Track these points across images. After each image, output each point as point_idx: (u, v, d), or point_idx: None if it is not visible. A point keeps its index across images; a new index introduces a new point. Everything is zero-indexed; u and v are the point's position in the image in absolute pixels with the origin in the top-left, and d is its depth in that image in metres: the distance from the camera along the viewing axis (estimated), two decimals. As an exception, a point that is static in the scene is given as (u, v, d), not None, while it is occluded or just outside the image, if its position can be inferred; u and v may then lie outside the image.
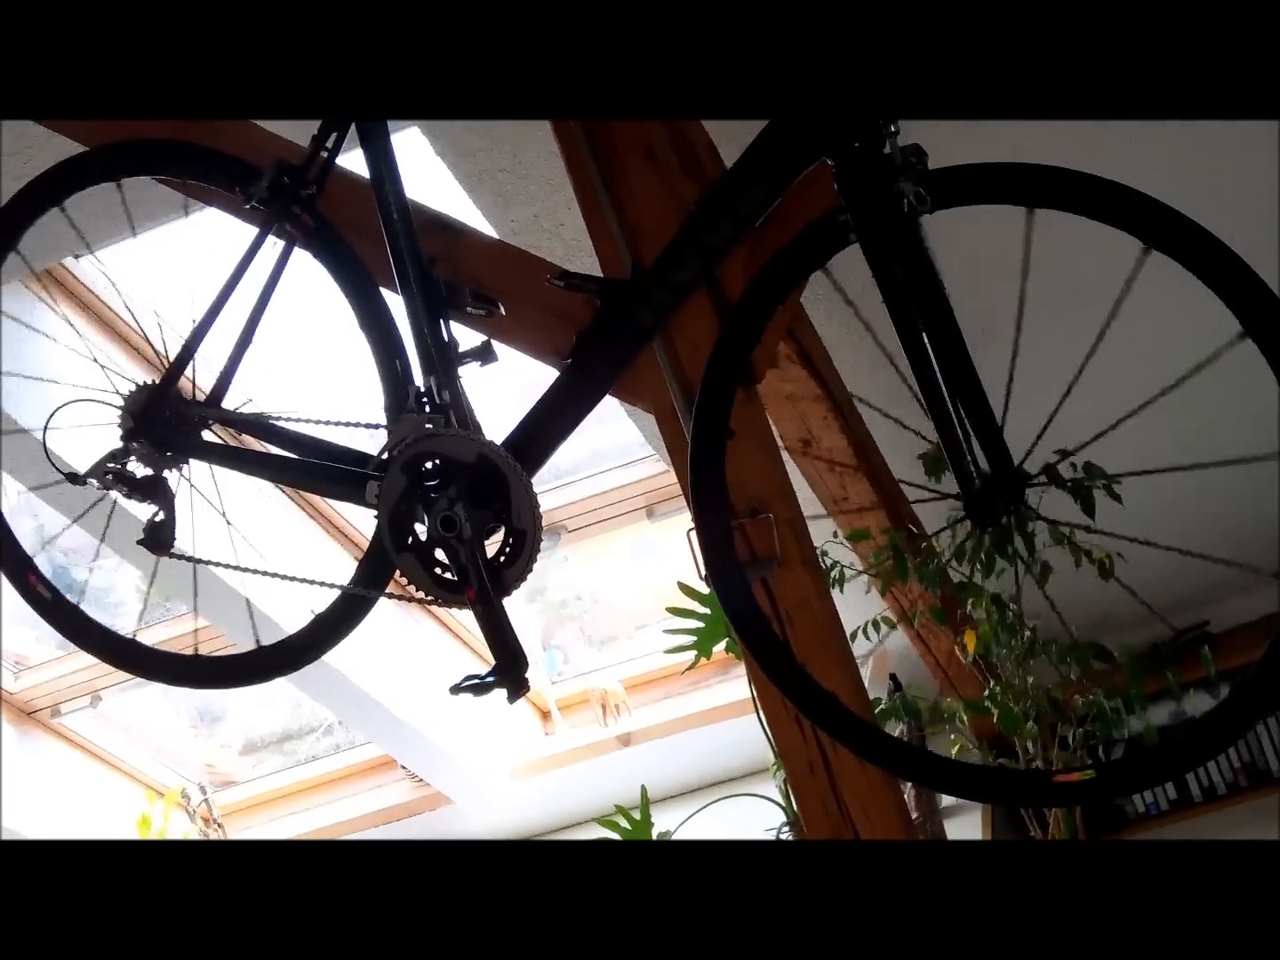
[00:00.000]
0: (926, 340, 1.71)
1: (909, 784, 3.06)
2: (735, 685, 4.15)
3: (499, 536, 1.89)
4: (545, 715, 4.70)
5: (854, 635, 2.59)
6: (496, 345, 1.94)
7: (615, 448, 4.22)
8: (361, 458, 1.96)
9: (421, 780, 4.65)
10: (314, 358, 3.42)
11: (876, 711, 2.98)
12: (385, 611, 4.12)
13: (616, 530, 4.30)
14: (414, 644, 4.35)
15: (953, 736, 3.33)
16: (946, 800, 3.63)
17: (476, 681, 1.88)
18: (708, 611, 3.23)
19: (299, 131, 1.98)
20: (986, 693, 3.11)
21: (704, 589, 3.19)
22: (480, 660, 4.51)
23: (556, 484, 4.17)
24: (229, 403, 2.04)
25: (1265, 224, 2.72)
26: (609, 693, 4.52)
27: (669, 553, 4.49)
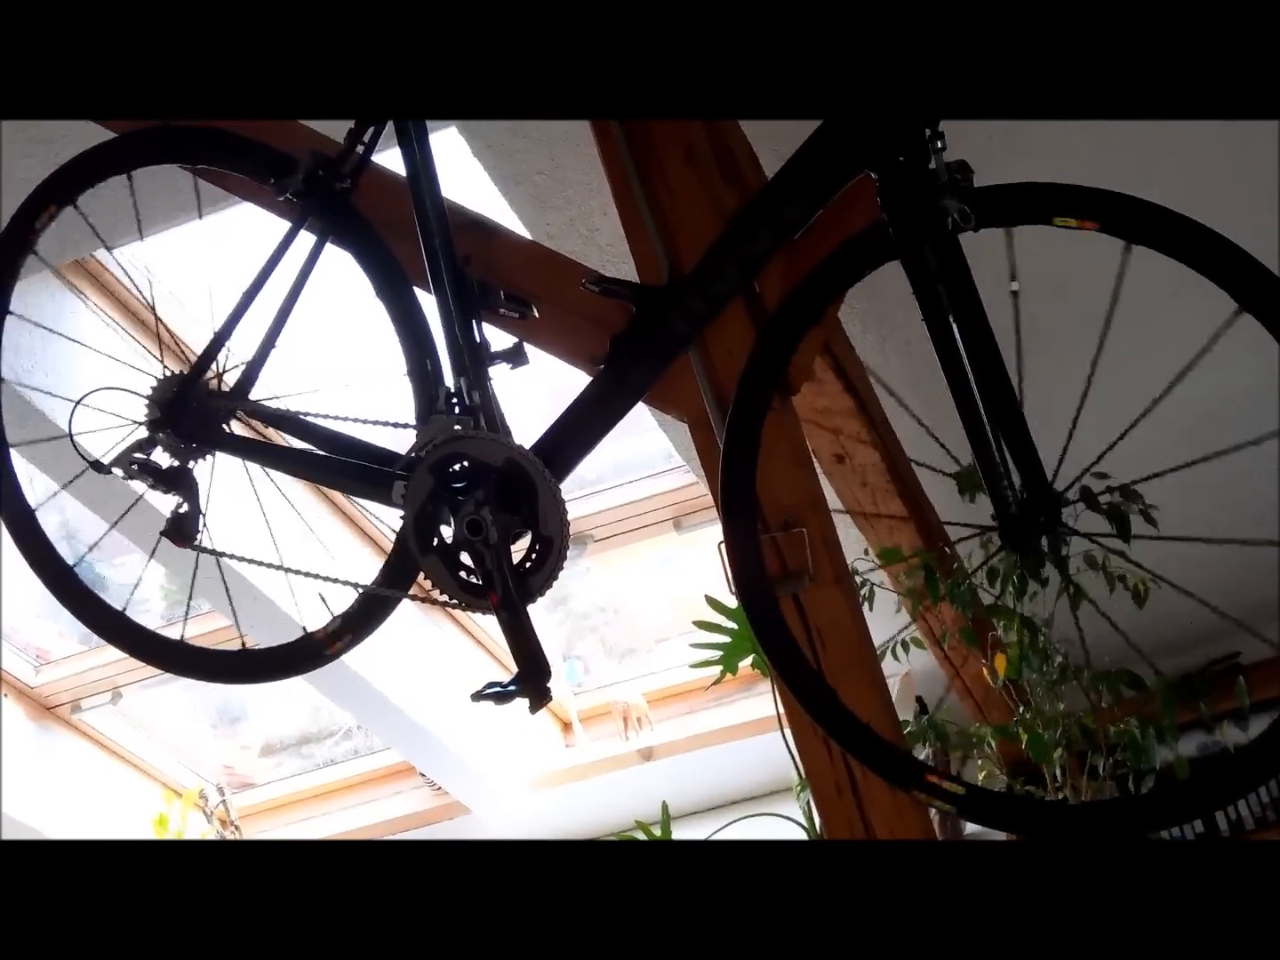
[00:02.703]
0: (965, 360, 1.68)
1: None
2: (760, 702, 4.12)
3: (525, 542, 1.87)
4: (566, 726, 4.67)
5: (881, 654, 2.55)
6: (528, 348, 1.91)
7: (639, 460, 4.19)
8: (389, 457, 1.93)
9: (440, 788, 4.62)
10: (343, 354, 3.40)
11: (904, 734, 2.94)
12: (407, 616, 4.12)
13: (643, 541, 4.26)
14: (436, 650, 4.33)
15: (979, 762, 3.28)
16: (970, 826, 3.57)
17: (499, 689, 1.85)
18: (735, 626, 3.20)
19: (336, 126, 1.96)
20: (1015, 718, 3.06)
21: (731, 603, 3.17)
22: (503, 668, 4.48)
23: (583, 493, 4.15)
24: (256, 396, 2.02)
25: (1266, 223, 2.67)
26: (631, 705, 4.48)
27: (694, 566, 4.46)
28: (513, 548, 1.86)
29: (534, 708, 1.87)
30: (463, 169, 2.62)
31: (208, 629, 4.13)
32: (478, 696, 1.86)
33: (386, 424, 1.95)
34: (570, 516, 1.86)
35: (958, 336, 1.67)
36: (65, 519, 4.17)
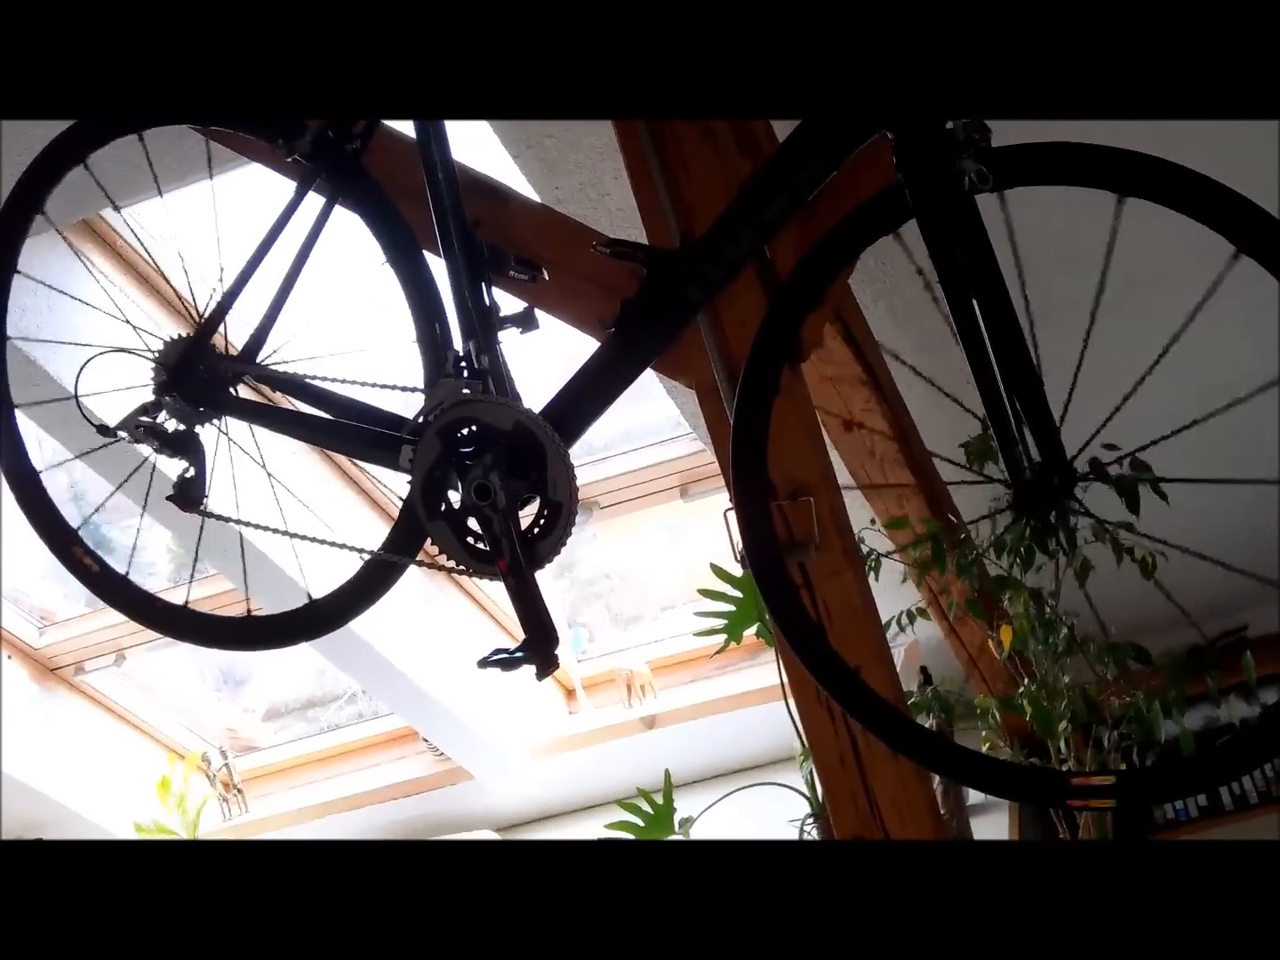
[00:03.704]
0: (982, 325, 1.66)
1: (937, 779, 3.01)
2: (764, 671, 4.11)
3: (534, 508, 1.85)
4: (570, 694, 4.68)
5: (887, 625, 2.54)
6: (539, 313, 1.90)
7: (647, 427, 4.18)
8: (396, 421, 1.92)
9: (443, 754, 4.62)
10: (351, 317, 3.39)
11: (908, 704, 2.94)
12: (413, 583, 4.11)
13: (649, 509, 4.26)
14: (441, 616, 4.33)
15: (983, 734, 3.28)
16: (974, 797, 3.58)
17: (505, 656, 1.84)
18: (739, 594, 3.19)
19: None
20: (1020, 690, 3.06)
21: (737, 571, 3.16)
22: (508, 635, 4.49)
23: (589, 459, 4.14)
24: (264, 359, 2.01)
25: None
26: (635, 673, 4.49)
27: (701, 534, 4.45)
28: (521, 513, 1.85)
29: (541, 675, 1.86)
30: (473, 132, 2.60)
31: (211, 592, 4.14)
32: (484, 663, 1.84)
33: (394, 388, 1.94)
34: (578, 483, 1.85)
35: (975, 302, 1.66)
36: (73, 480, 4.17)
